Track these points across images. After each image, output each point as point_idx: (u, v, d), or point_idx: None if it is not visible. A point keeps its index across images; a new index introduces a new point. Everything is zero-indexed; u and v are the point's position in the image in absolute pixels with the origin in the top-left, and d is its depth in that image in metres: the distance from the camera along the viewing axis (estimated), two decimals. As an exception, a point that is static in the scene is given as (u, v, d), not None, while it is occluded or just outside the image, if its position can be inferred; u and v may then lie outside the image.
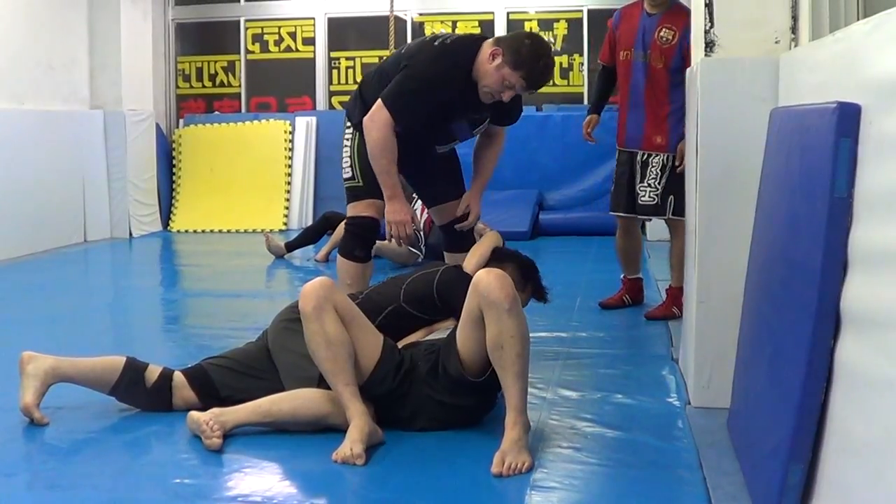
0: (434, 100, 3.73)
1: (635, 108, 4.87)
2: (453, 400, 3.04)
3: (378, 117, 3.71)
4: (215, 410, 2.98)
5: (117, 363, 3.25)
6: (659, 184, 4.79)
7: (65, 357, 3.26)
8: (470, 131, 3.98)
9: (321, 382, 3.06)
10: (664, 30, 4.71)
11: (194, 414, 2.98)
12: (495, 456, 2.75)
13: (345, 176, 4.01)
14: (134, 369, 3.25)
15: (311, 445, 2.94)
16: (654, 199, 4.80)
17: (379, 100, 3.73)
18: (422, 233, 6.82)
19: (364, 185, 3.93)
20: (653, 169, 4.81)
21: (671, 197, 4.70)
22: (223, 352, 3.44)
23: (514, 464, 2.73)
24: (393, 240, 3.95)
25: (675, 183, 4.63)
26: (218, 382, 3.26)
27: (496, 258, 3.53)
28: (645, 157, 4.84)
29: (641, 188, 4.84)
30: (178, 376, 3.28)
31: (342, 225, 6.96)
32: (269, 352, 3.29)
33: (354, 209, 4.01)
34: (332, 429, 2.98)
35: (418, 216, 6.79)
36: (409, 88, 3.71)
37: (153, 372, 3.27)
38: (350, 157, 3.97)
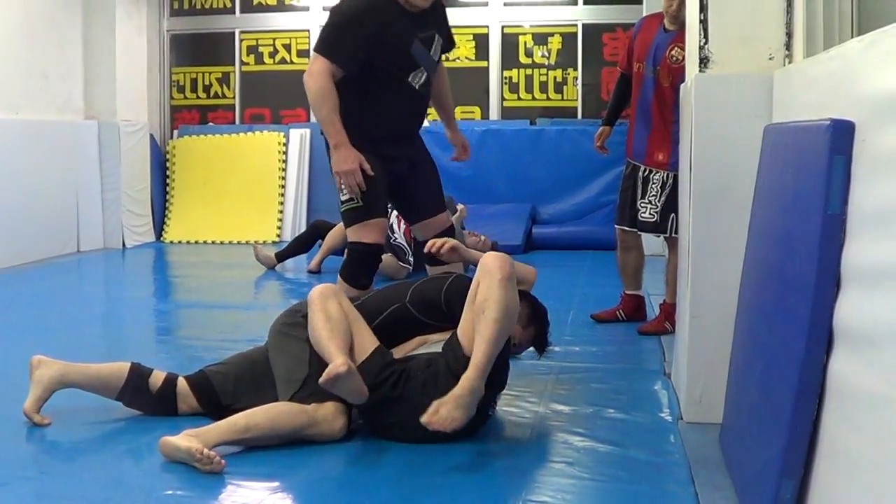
0: (365, 31, 3.78)
1: (642, 122, 4.86)
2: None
3: (314, 68, 3.77)
4: (190, 432, 2.88)
5: (122, 369, 3.31)
6: (659, 201, 4.77)
7: (73, 363, 3.32)
8: (430, 56, 3.97)
9: (303, 387, 3.08)
10: (676, 48, 4.63)
11: (171, 444, 2.86)
12: (433, 404, 2.82)
13: (342, 198, 3.88)
14: (138, 376, 3.30)
15: (303, 458, 2.93)
16: (654, 217, 4.80)
17: (312, 52, 3.85)
18: (407, 245, 6.79)
19: (364, 206, 3.84)
20: (653, 186, 4.80)
21: (672, 215, 4.61)
22: (226, 357, 3.48)
23: (445, 418, 2.80)
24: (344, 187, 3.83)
25: (676, 201, 4.61)
26: (220, 391, 3.30)
27: None
28: (647, 172, 4.84)
29: (642, 204, 4.84)
30: (182, 384, 3.33)
31: (332, 232, 7.04)
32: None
33: (358, 233, 3.89)
34: (316, 442, 3.00)
35: (396, 227, 6.78)
36: (335, 26, 3.81)
37: (157, 378, 3.31)
38: None
